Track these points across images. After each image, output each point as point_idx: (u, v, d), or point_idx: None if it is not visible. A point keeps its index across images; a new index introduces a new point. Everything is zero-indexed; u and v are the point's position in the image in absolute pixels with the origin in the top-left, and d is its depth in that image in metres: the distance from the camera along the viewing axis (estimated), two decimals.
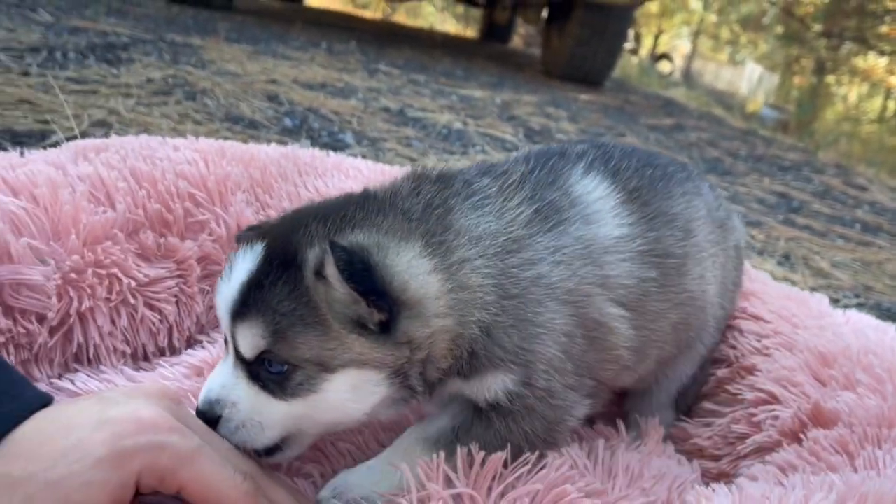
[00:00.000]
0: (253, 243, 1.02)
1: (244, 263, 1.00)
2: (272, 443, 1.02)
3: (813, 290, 3.30)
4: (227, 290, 1.00)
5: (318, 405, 0.99)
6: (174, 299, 1.46)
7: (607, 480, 1.15)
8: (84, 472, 0.80)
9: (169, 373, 1.33)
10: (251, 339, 0.97)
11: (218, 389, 1.01)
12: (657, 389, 1.44)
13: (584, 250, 1.09)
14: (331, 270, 0.93)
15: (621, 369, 1.20)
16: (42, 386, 1.25)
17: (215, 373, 1.04)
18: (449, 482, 1.00)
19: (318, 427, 1.04)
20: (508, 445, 1.05)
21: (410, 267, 0.99)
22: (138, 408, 0.88)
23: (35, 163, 1.38)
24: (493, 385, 1.05)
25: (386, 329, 0.97)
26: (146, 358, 1.42)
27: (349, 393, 0.98)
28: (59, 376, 1.30)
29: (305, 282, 0.96)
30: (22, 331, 1.24)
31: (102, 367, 1.33)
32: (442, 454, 1.03)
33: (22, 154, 1.41)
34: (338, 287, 0.94)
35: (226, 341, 1.03)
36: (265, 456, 1.04)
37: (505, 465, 1.04)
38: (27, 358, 1.26)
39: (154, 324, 1.41)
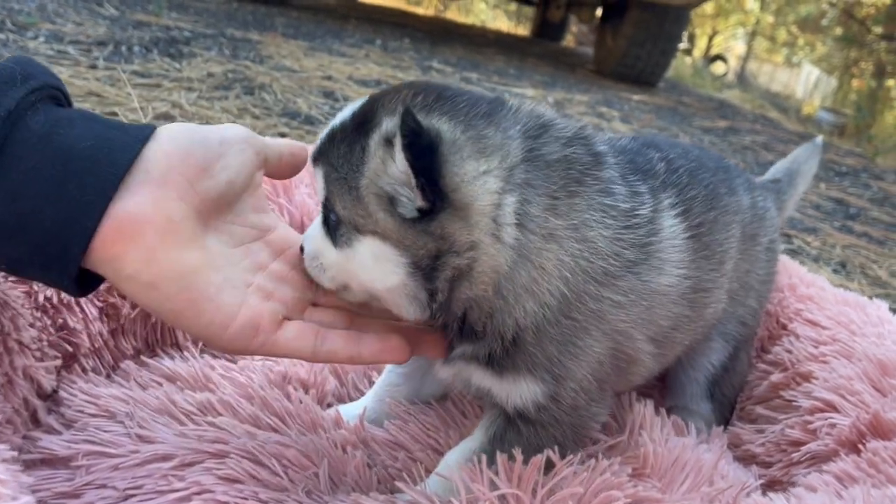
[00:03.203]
0: (359, 99, 1.06)
1: (338, 116, 1.05)
2: (332, 285, 1.09)
3: (870, 299, 3.24)
4: (319, 137, 1.07)
5: (352, 261, 1.03)
6: None
7: (676, 476, 1.19)
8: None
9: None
10: (319, 185, 1.05)
11: (310, 227, 1.11)
12: (686, 381, 1.48)
13: (645, 298, 1.09)
14: (397, 139, 0.92)
15: (628, 385, 1.26)
16: (131, 363, 1.38)
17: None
18: (493, 485, 1.02)
19: (357, 284, 1.06)
20: (543, 450, 1.08)
21: (475, 176, 0.97)
22: None
23: None
24: (524, 393, 1.07)
25: (421, 218, 0.97)
26: None
27: (372, 260, 1.01)
28: (152, 355, 1.42)
29: (365, 145, 0.98)
30: (111, 301, 1.37)
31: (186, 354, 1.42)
32: (483, 458, 1.06)
33: None
34: (397, 157, 0.93)
35: None
36: None
37: (548, 467, 1.06)
38: (115, 328, 1.39)
39: None
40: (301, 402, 1.29)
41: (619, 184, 1.08)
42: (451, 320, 1.06)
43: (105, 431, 1.16)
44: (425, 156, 0.93)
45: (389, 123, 0.97)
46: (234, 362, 1.42)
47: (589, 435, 1.19)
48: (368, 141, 0.98)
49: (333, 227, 1.04)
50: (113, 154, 0.91)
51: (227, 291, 0.98)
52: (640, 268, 1.08)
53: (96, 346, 1.32)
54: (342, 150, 1.01)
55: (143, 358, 1.38)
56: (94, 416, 1.19)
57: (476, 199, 0.96)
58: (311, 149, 1.11)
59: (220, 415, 1.23)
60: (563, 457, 1.08)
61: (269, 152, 1.11)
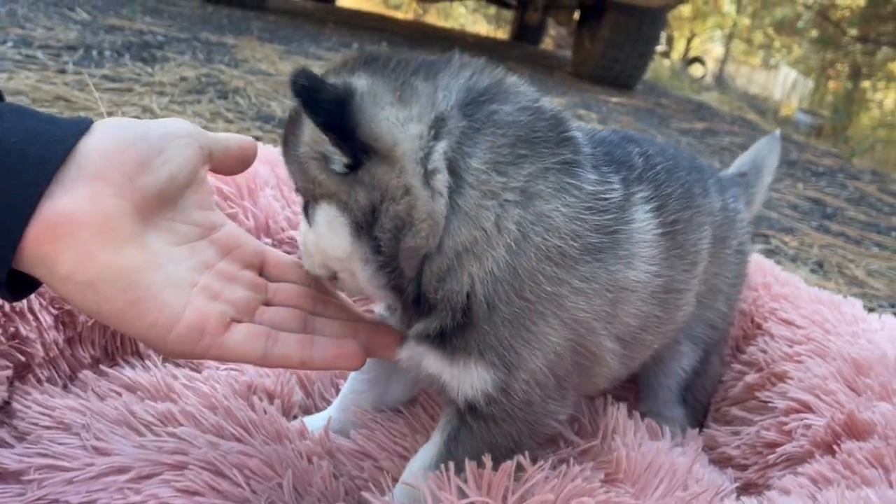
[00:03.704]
0: None
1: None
2: (324, 272, 1.10)
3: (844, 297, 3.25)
4: None
5: (319, 235, 1.04)
6: None
7: (650, 481, 1.16)
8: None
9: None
10: (288, 172, 1.08)
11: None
12: (659, 387, 1.45)
13: (609, 291, 1.05)
14: (296, 102, 0.94)
15: (593, 387, 1.22)
16: (89, 372, 1.33)
17: None
18: (461, 492, 0.99)
19: (329, 260, 1.07)
20: (499, 448, 1.06)
21: (395, 122, 0.96)
22: None
23: None
24: (474, 381, 1.03)
25: (351, 171, 0.97)
26: None
27: (326, 227, 1.02)
28: (111, 364, 1.38)
29: (302, 116, 1.00)
30: (67, 309, 1.33)
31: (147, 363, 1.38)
32: (451, 465, 1.02)
33: None
34: (307, 118, 0.96)
35: None
36: None
37: (518, 470, 1.03)
38: (72, 336, 1.35)
39: None
40: (266, 412, 1.25)
41: (585, 167, 1.05)
42: (407, 285, 1.03)
43: (59, 444, 1.12)
44: (332, 111, 0.93)
45: None
46: (198, 371, 1.38)
47: (546, 432, 1.13)
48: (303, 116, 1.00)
49: (305, 210, 1.07)
50: (45, 149, 0.87)
51: (171, 291, 0.95)
52: (606, 256, 1.04)
53: (51, 355, 1.28)
54: (291, 129, 1.04)
55: (103, 367, 1.34)
56: (48, 428, 1.15)
57: (398, 144, 0.95)
58: (265, 147, 1.09)
59: (182, 425, 1.19)
60: (521, 452, 1.05)
61: (215, 146, 1.08)
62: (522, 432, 1.08)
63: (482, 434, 1.07)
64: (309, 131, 0.99)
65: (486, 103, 0.99)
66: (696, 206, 1.27)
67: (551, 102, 1.09)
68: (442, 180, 0.96)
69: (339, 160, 0.97)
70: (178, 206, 1.03)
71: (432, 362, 1.06)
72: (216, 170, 1.12)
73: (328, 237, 1.02)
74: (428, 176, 0.96)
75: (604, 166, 1.09)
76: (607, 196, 1.05)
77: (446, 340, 1.03)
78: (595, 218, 1.02)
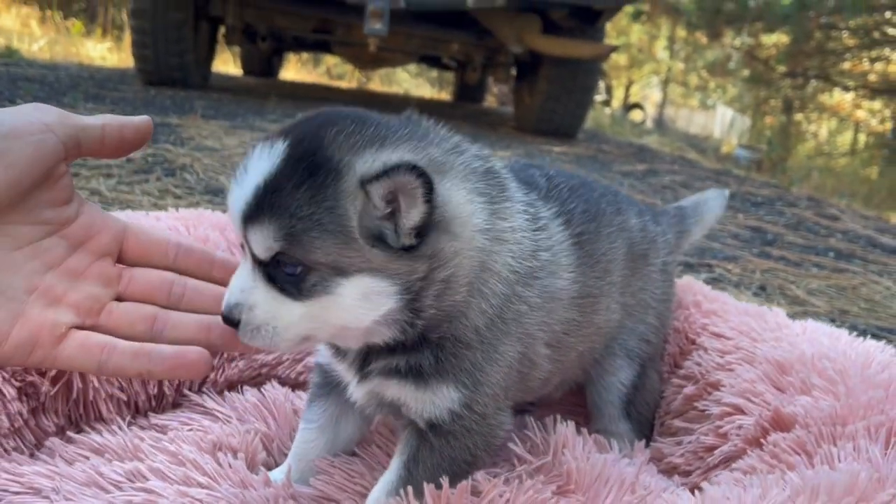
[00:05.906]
0: (273, 142, 1.00)
1: (261, 163, 0.98)
2: (291, 344, 1.03)
3: (790, 318, 3.37)
4: (240, 193, 0.99)
5: (331, 307, 0.99)
6: None
7: (600, 490, 1.24)
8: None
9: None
10: (263, 242, 0.97)
11: (237, 293, 1.01)
12: (602, 404, 1.55)
13: (545, 301, 1.19)
14: (407, 185, 0.94)
15: (528, 392, 1.32)
16: (56, 439, 1.35)
17: (236, 275, 1.04)
18: None
19: (329, 329, 1.04)
20: (458, 463, 1.14)
21: (451, 188, 1.03)
22: None
23: None
24: (442, 402, 1.11)
25: (412, 247, 0.99)
26: (138, 408, 1.49)
27: (360, 299, 0.99)
28: (77, 431, 1.40)
29: (339, 188, 0.96)
30: (30, 380, 1.35)
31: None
32: (410, 491, 1.09)
33: None
34: (413, 204, 0.96)
35: (241, 245, 1.04)
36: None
37: (476, 493, 1.11)
38: (36, 406, 1.37)
39: None
40: (231, 465, 1.29)
41: (520, 194, 1.19)
42: (410, 333, 1.08)
43: None
44: (429, 193, 0.96)
45: (363, 166, 0.97)
46: (164, 433, 1.42)
47: (496, 444, 1.22)
48: (341, 185, 0.96)
49: (295, 280, 0.98)
50: None
51: (1, 303, 0.93)
52: (550, 269, 1.19)
53: (16, 425, 1.32)
54: (304, 198, 0.95)
55: (70, 434, 1.37)
56: (17, 493, 1.18)
57: (458, 212, 1.04)
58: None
59: (149, 480, 1.23)
60: (475, 467, 1.15)
61: (85, 134, 1.01)
62: (478, 444, 1.17)
63: (443, 449, 1.14)
64: (363, 206, 0.97)
65: (466, 162, 1.11)
66: (606, 221, 1.40)
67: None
68: (479, 238, 1.07)
69: (394, 237, 0.99)
70: (23, 208, 0.98)
71: (396, 392, 1.14)
72: (96, 154, 1.06)
73: (356, 308, 1.00)
74: (472, 235, 1.06)
75: (524, 188, 1.23)
76: (541, 214, 1.22)
77: (422, 371, 1.10)
78: (542, 236, 1.19)
